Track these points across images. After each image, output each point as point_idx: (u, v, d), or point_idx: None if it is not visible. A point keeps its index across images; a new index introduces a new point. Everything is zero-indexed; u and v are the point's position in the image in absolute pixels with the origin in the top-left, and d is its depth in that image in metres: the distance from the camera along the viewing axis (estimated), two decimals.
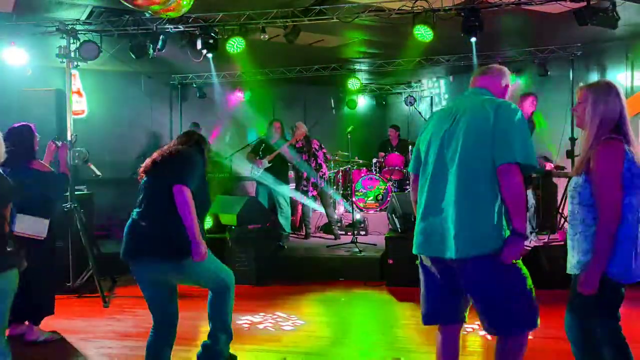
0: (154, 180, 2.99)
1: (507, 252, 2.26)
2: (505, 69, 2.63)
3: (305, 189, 7.52)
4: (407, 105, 10.72)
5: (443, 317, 2.57)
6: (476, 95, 2.51)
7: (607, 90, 2.37)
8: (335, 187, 8.55)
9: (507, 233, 2.31)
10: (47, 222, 3.95)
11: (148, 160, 3.08)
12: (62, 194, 4.53)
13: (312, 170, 7.45)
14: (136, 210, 2.97)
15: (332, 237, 7.55)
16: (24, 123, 4.15)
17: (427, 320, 2.62)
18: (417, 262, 2.59)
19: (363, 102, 11.90)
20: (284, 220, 7.27)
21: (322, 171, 7.57)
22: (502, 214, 2.30)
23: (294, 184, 7.81)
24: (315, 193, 7.57)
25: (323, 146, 7.73)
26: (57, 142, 4.57)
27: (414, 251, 2.55)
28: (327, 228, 7.97)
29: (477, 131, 2.33)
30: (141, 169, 3.07)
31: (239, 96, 10.26)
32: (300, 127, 7.44)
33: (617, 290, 2.30)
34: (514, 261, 2.31)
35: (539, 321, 2.39)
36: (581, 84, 2.61)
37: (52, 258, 4.38)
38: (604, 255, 2.23)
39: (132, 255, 2.91)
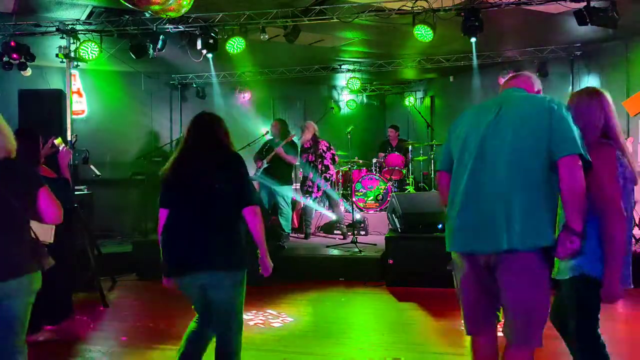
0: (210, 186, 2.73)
1: (561, 249, 2.17)
2: (535, 76, 2.61)
3: (310, 189, 7.49)
4: (407, 105, 10.72)
5: (484, 322, 2.41)
6: (517, 92, 2.47)
7: (588, 98, 2.39)
8: (335, 187, 8.55)
9: (558, 231, 2.22)
10: (52, 227, 3.94)
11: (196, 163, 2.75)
12: (66, 199, 4.50)
13: (315, 172, 7.42)
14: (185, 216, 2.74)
15: (335, 237, 7.56)
16: (28, 128, 4.13)
17: (473, 329, 2.43)
18: (454, 260, 2.43)
19: (363, 102, 11.90)
20: (284, 220, 7.27)
21: (329, 172, 7.52)
22: (556, 208, 2.23)
23: (299, 184, 7.80)
24: (319, 194, 7.53)
25: (332, 147, 7.67)
26: (58, 145, 4.56)
27: (450, 248, 2.39)
28: (327, 228, 7.98)
29: (530, 122, 2.26)
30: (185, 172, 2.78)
31: (244, 97, 10.24)
32: (309, 127, 7.43)
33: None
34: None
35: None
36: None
37: (61, 261, 4.40)
38: (619, 260, 2.22)
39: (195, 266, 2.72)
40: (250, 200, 2.73)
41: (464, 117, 2.55)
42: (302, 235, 7.71)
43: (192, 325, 2.86)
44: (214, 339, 2.80)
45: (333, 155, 7.63)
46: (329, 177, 7.54)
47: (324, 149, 7.51)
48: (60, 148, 4.54)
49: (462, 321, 2.44)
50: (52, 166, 4.21)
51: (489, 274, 2.28)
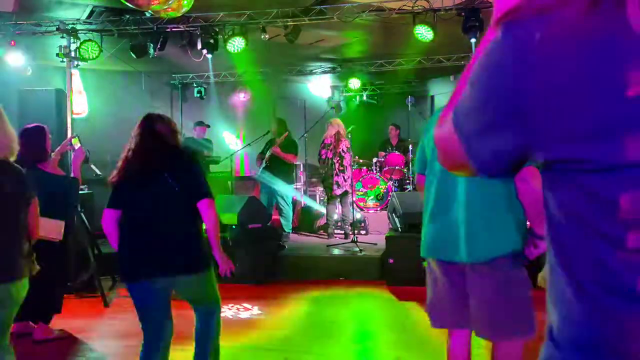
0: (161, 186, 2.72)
1: (527, 252, 2.23)
2: None
3: (331, 186, 7.33)
4: (407, 105, 10.72)
5: (452, 321, 2.47)
6: None
7: None
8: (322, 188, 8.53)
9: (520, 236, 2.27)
10: (62, 224, 3.94)
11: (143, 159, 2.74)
12: (73, 198, 4.49)
13: (332, 169, 7.28)
14: (140, 221, 2.70)
15: (334, 236, 7.56)
16: (37, 124, 4.14)
17: (436, 323, 2.54)
18: (425, 264, 2.53)
19: (363, 102, 11.90)
20: (284, 220, 7.27)
21: (346, 174, 7.33)
22: (519, 214, 2.26)
23: (304, 183, 7.70)
24: (339, 192, 7.36)
25: (351, 150, 7.54)
26: (74, 144, 4.58)
27: (423, 254, 2.47)
28: (326, 227, 7.98)
29: None
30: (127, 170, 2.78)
31: (244, 97, 10.24)
32: (334, 124, 7.33)
33: None
34: (524, 265, 2.29)
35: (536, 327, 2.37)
36: None
37: (64, 258, 4.42)
38: None
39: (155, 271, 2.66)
40: (205, 193, 2.72)
41: (435, 117, 2.56)
42: (325, 235, 7.62)
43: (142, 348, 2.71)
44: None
45: (352, 157, 7.51)
46: (346, 178, 7.34)
47: (344, 149, 7.34)
48: (76, 147, 4.56)
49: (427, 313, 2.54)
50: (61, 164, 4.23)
51: (462, 277, 2.34)
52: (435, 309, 2.51)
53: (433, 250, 2.42)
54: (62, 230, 3.94)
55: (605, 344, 0.69)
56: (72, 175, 4.50)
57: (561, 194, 0.73)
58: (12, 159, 2.62)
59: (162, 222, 2.66)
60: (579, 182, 0.70)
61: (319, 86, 10.98)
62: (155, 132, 2.81)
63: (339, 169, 7.31)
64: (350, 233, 7.13)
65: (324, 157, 7.36)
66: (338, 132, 7.33)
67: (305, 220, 8.50)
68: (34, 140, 3.94)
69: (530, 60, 0.69)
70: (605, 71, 0.64)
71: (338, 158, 7.30)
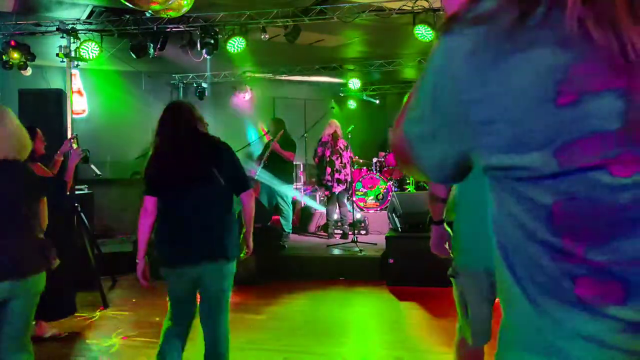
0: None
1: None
2: None
3: (329, 184, 7.33)
4: None
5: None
6: None
7: None
8: (322, 185, 8.52)
9: None
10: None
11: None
12: (60, 200, 4.43)
13: (332, 167, 7.28)
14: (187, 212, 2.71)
15: (332, 235, 7.56)
16: (28, 126, 4.13)
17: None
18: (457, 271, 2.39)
19: (363, 102, 11.90)
20: (284, 220, 7.27)
21: (345, 171, 7.37)
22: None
23: (303, 183, 7.70)
24: (339, 190, 7.34)
25: (350, 149, 7.57)
26: (73, 144, 4.58)
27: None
28: (326, 227, 7.97)
29: None
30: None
31: (244, 97, 10.24)
32: (331, 124, 7.38)
33: None
34: None
35: None
36: None
37: (70, 257, 4.44)
38: None
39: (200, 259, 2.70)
40: (248, 184, 2.82)
41: None
42: (325, 235, 7.62)
43: (166, 323, 2.80)
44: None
45: (351, 157, 7.52)
46: (345, 176, 7.38)
47: (342, 147, 7.37)
48: (74, 147, 4.55)
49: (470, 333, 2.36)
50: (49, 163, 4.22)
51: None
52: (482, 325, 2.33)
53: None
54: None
55: (547, 345, 0.71)
56: (65, 177, 4.49)
57: (501, 198, 0.75)
58: (21, 158, 2.63)
59: (202, 212, 2.67)
60: (515, 189, 0.71)
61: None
62: (190, 123, 2.76)
63: (339, 167, 7.33)
64: (350, 233, 7.13)
65: (320, 154, 7.38)
66: (335, 132, 7.38)
67: (303, 220, 8.50)
68: None
69: (463, 70, 0.70)
70: (534, 82, 0.65)
71: (337, 155, 7.32)
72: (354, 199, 7.91)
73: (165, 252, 2.71)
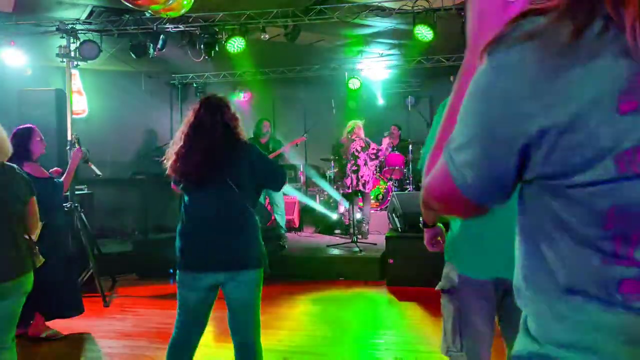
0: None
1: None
2: None
3: (344, 185, 7.28)
4: (407, 105, 10.71)
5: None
6: None
7: None
8: (335, 187, 8.54)
9: None
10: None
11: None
12: (57, 201, 4.40)
13: (345, 168, 7.31)
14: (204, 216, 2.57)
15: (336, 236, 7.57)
16: (27, 125, 4.14)
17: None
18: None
19: (363, 102, 11.88)
20: (279, 216, 7.31)
21: (360, 173, 7.22)
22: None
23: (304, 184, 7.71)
24: (349, 191, 7.24)
25: (368, 150, 7.41)
26: (74, 145, 4.58)
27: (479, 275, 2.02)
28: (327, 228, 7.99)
29: None
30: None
31: (244, 97, 10.22)
32: (348, 127, 7.38)
33: None
34: None
35: None
36: None
37: (69, 259, 4.46)
38: None
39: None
40: (285, 176, 2.83)
41: (443, 108, 2.47)
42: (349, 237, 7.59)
43: (175, 334, 2.60)
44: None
45: (366, 160, 7.29)
46: (359, 177, 7.24)
47: (357, 149, 7.26)
48: (76, 147, 4.55)
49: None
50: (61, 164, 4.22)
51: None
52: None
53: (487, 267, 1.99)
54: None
55: (586, 343, 0.73)
56: (64, 175, 4.48)
57: (543, 204, 0.76)
58: (2, 159, 2.62)
59: (225, 217, 2.54)
60: (566, 195, 0.73)
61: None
62: (229, 126, 2.65)
63: (351, 170, 7.19)
64: (366, 233, 7.18)
65: (340, 157, 7.42)
66: (348, 133, 7.30)
67: (321, 221, 8.46)
68: (17, 140, 3.92)
69: (516, 85, 0.72)
70: (597, 92, 0.67)
71: (352, 158, 7.21)
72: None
73: (184, 254, 2.56)
